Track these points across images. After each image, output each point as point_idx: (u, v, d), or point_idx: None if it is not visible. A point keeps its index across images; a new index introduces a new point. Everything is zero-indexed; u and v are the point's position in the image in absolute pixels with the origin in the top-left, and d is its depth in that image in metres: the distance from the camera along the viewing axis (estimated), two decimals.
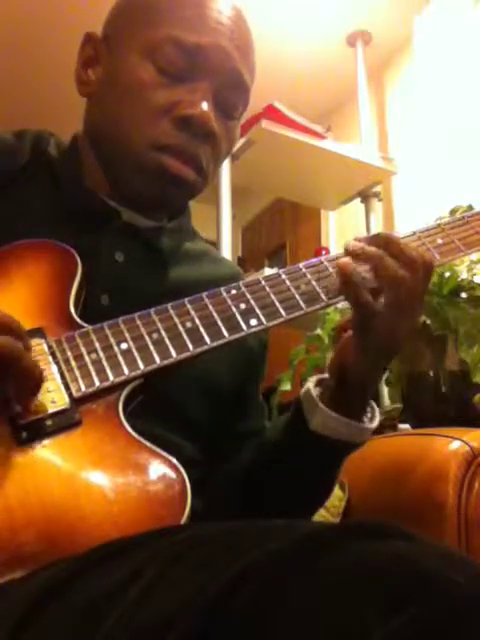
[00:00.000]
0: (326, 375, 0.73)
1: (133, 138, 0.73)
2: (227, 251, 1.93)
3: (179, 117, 0.72)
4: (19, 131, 0.81)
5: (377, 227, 2.37)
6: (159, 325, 0.63)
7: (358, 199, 2.39)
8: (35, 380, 0.56)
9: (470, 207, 1.47)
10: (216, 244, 1.94)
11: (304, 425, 0.71)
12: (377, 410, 0.73)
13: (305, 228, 3.25)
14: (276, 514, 0.72)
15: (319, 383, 0.73)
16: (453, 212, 1.47)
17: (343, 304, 0.70)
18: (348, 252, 0.66)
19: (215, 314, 0.64)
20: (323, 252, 2.46)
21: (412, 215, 2.32)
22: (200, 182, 0.77)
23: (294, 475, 0.76)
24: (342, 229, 2.80)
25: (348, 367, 0.68)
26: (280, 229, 3.53)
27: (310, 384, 0.73)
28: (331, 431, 0.70)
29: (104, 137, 0.76)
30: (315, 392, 0.71)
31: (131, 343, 0.61)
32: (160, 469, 0.56)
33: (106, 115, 0.76)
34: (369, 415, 0.73)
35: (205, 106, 0.72)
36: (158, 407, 0.68)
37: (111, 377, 0.60)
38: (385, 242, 0.66)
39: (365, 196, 2.36)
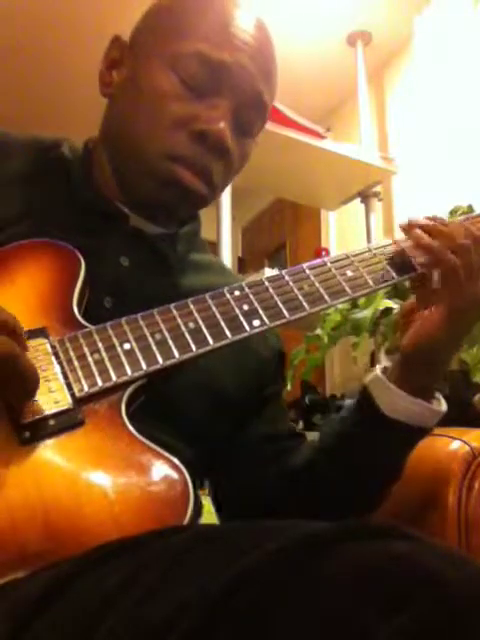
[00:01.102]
0: (387, 364, 0.75)
1: (148, 144, 0.73)
2: (227, 251, 1.93)
3: (196, 131, 0.72)
4: (33, 135, 0.82)
5: (377, 227, 2.37)
6: (162, 325, 0.63)
7: (358, 199, 2.39)
8: (32, 382, 0.55)
9: (470, 207, 1.47)
10: (216, 244, 1.94)
11: (372, 410, 0.73)
12: (442, 398, 0.75)
13: (305, 228, 3.25)
14: (338, 513, 0.69)
15: (384, 372, 0.75)
16: (453, 212, 1.47)
17: (343, 305, 0.70)
18: (414, 225, 0.73)
19: (218, 315, 0.64)
20: (323, 252, 2.46)
21: (412, 215, 2.32)
22: (209, 196, 0.77)
23: (361, 466, 0.76)
24: (342, 229, 2.80)
25: (427, 340, 0.71)
26: (280, 229, 3.53)
27: (377, 370, 0.75)
28: (401, 414, 0.72)
29: (119, 139, 0.77)
30: (381, 375, 0.73)
31: (134, 343, 0.62)
32: (162, 469, 0.56)
33: (124, 117, 0.76)
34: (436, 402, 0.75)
35: (222, 124, 0.73)
36: (159, 410, 0.68)
37: (114, 377, 0.60)
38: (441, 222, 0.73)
39: (365, 196, 2.36)
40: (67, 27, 2.41)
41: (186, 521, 0.53)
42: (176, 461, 0.56)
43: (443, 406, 0.75)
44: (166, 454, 0.57)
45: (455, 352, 0.75)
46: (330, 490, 0.78)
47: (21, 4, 2.36)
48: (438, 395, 0.75)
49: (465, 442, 0.88)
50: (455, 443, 0.89)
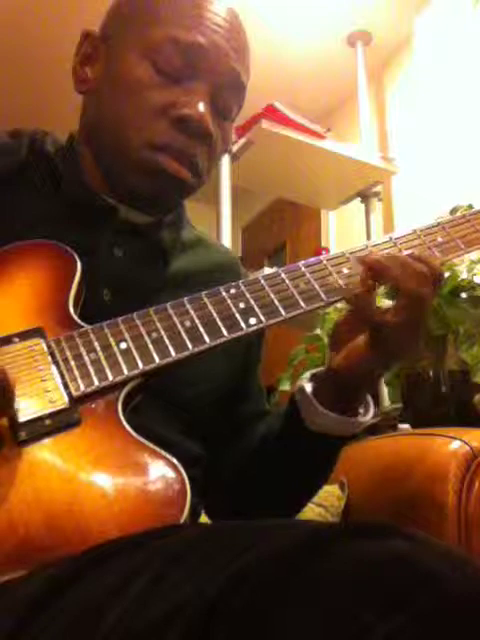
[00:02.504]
0: (319, 369, 0.74)
1: (130, 136, 0.73)
2: None
3: (176, 117, 0.72)
4: (14, 131, 0.81)
5: (377, 227, 2.37)
6: (158, 324, 0.63)
7: (358, 199, 2.39)
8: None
9: (470, 207, 1.47)
10: None
11: (300, 423, 0.72)
12: (371, 402, 0.74)
13: (305, 228, 3.25)
14: (269, 505, 0.74)
15: (313, 377, 0.74)
16: (453, 212, 1.47)
17: (342, 304, 0.70)
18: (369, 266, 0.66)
19: (214, 313, 0.64)
20: (323, 252, 2.46)
21: (412, 215, 2.32)
22: (195, 182, 0.78)
23: (290, 469, 0.77)
24: (342, 229, 2.80)
25: (354, 367, 0.69)
26: (280, 229, 3.53)
27: (304, 381, 0.73)
28: (326, 428, 0.71)
29: (101, 134, 0.77)
30: (309, 388, 0.72)
31: (130, 342, 0.61)
32: (160, 468, 0.55)
33: (103, 113, 0.76)
34: (363, 409, 0.74)
35: (202, 107, 0.72)
36: (157, 405, 0.68)
37: (110, 376, 0.60)
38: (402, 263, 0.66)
39: (365, 196, 2.36)
40: (67, 28, 2.41)
41: (184, 519, 0.53)
42: (174, 460, 0.56)
43: (368, 415, 0.73)
44: (163, 453, 0.56)
45: (380, 379, 0.74)
46: (260, 486, 0.79)
47: (21, 5, 2.37)
48: (366, 400, 0.74)
49: (465, 442, 0.88)
50: (455, 443, 0.88)
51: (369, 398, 0.74)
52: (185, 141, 0.73)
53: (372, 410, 0.74)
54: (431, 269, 0.65)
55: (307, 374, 0.74)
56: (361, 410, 0.73)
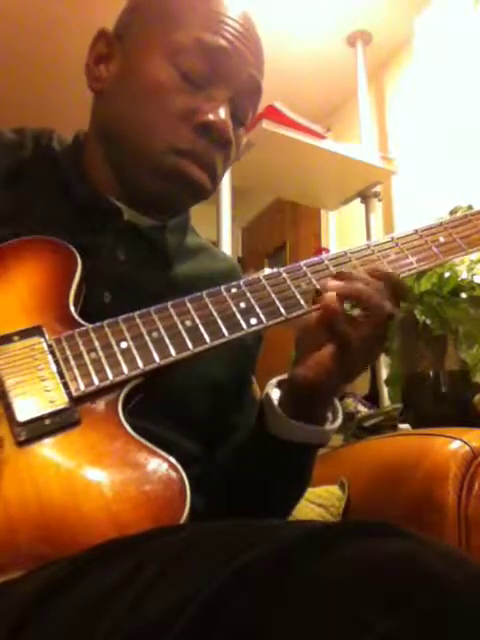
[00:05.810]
0: (285, 376, 0.73)
1: (151, 140, 0.73)
2: (227, 251, 1.93)
3: (199, 124, 0.72)
4: (18, 128, 0.81)
5: (377, 227, 2.37)
6: (159, 324, 0.63)
7: (358, 199, 2.39)
8: None
9: (470, 207, 1.47)
10: (216, 244, 1.94)
11: (265, 429, 0.72)
12: (340, 409, 0.73)
13: (305, 228, 3.25)
14: (254, 506, 0.73)
15: (280, 384, 0.73)
16: (453, 212, 1.48)
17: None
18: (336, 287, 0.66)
19: (215, 313, 0.64)
20: (323, 252, 2.45)
21: (412, 215, 2.32)
22: (212, 188, 0.78)
23: (260, 477, 0.76)
24: (342, 229, 2.80)
25: (316, 382, 0.67)
26: (280, 229, 3.53)
27: (269, 388, 0.73)
28: (290, 435, 0.70)
29: (116, 135, 0.76)
30: (275, 396, 0.71)
31: (131, 342, 0.61)
32: (159, 469, 0.55)
33: (121, 114, 0.76)
34: (331, 416, 0.73)
35: (223, 114, 0.73)
36: (157, 406, 0.68)
37: (110, 376, 0.59)
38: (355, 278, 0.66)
39: (365, 196, 2.36)
40: (67, 27, 2.41)
41: (183, 520, 0.53)
42: (173, 460, 0.56)
43: (336, 423, 0.72)
44: (163, 453, 0.56)
45: (344, 386, 0.72)
46: (237, 493, 0.78)
47: (21, 4, 2.37)
48: (334, 407, 0.73)
49: (465, 442, 0.88)
50: (455, 443, 0.89)
51: (337, 405, 0.73)
52: (206, 147, 0.73)
53: (340, 418, 0.73)
54: (392, 283, 0.66)
55: (274, 380, 0.74)
56: (329, 415, 0.72)
